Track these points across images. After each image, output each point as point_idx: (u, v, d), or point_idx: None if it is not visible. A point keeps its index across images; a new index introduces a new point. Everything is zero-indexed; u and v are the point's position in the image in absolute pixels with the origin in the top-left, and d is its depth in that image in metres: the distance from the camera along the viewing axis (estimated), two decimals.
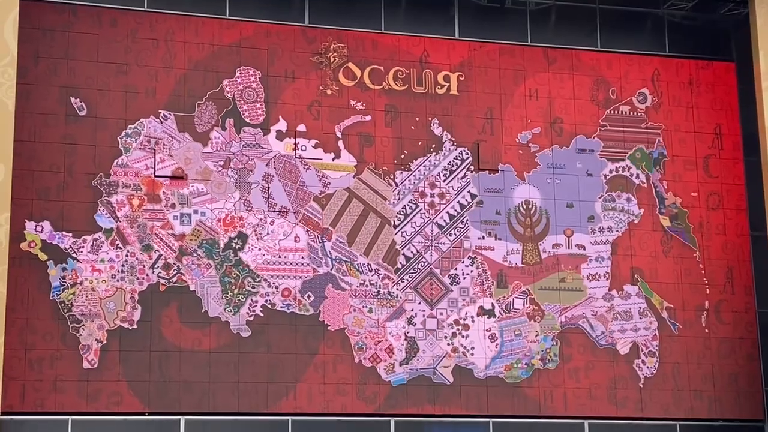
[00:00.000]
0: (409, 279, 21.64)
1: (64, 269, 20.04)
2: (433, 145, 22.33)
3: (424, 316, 21.53)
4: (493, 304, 21.91)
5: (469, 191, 22.29)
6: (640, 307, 22.58)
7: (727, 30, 24.19)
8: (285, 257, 21.14)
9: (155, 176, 20.81)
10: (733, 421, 22.61)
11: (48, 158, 20.31)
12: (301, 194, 21.47)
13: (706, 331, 22.82)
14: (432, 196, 22.12)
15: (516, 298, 22.01)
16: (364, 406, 20.97)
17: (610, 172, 23.09)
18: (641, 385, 22.26)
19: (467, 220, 22.15)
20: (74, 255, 20.13)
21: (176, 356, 20.26)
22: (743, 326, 23.03)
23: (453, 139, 22.43)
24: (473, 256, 22.03)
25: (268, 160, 21.45)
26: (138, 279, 20.34)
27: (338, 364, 20.98)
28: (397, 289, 21.54)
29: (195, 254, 20.70)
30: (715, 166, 23.64)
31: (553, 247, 22.45)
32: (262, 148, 21.48)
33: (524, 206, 22.52)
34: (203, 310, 20.57)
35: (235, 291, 20.78)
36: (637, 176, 23.20)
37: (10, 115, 18.87)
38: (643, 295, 22.65)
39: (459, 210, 22.18)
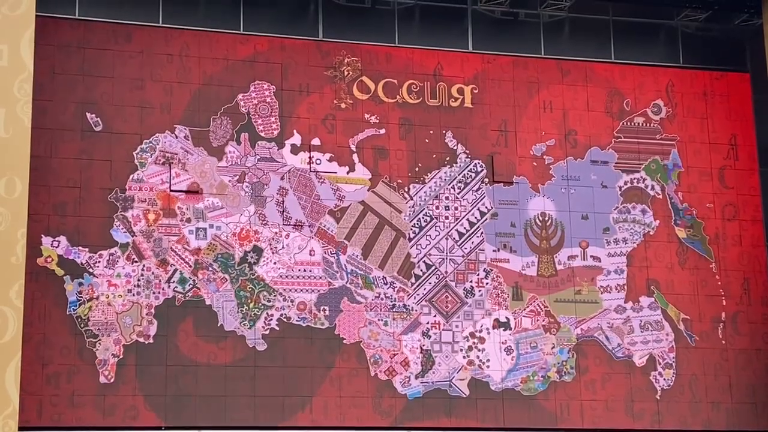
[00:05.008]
0: (424, 292, 21.64)
1: (80, 284, 20.11)
2: (448, 158, 22.35)
3: (439, 328, 21.53)
4: (508, 317, 21.88)
5: (483, 204, 22.28)
6: (656, 319, 22.51)
7: (742, 40, 24.15)
8: (300, 271, 21.17)
9: (171, 191, 20.88)
10: None
11: (64, 173, 20.41)
12: (315, 208, 21.50)
13: (723, 342, 22.73)
14: (446, 208, 22.13)
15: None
16: (380, 419, 20.94)
17: (625, 183, 23.06)
18: (658, 397, 22.18)
19: (482, 232, 22.14)
20: (90, 270, 20.20)
21: (192, 370, 20.28)
22: (760, 337, 22.94)
23: (467, 151, 22.44)
24: (488, 269, 22.01)
25: (282, 173, 21.50)
26: (154, 293, 20.40)
27: (354, 378, 20.97)
28: (412, 302, 21.54)
29: (210, 268, 20.75)
30: (731, 177, 23.57)
31: (568, 259, 22.41)
32: (277, 162, 21.53)
33: (540, 218, 22.49)
34: (219, 324, 20.59)
35: (251, 305, 20.81)
36: (652, 188, 23.16)
37: (27, 130, 18.92)
38: (660, 306, 22.59)
39: (474, 222, 22.17)
